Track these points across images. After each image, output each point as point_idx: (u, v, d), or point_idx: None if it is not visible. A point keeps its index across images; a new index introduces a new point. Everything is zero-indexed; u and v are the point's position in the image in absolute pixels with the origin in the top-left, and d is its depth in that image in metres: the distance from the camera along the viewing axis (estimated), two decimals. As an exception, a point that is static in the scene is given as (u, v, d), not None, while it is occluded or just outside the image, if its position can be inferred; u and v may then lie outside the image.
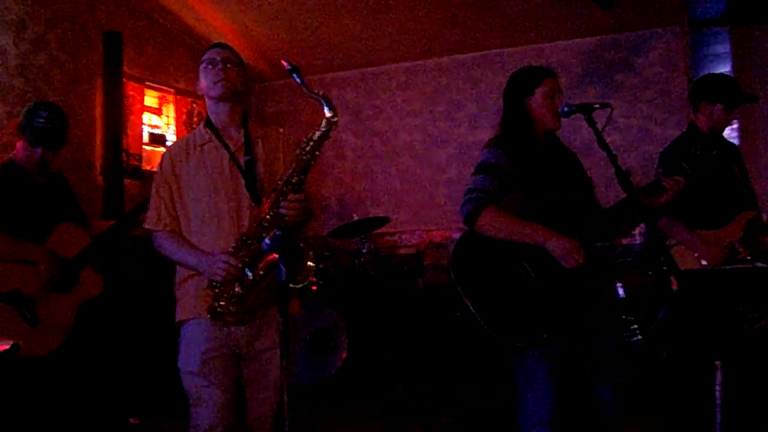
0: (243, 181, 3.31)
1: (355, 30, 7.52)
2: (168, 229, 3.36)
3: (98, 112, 6.52)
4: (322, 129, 3.16)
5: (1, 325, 3.81)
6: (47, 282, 4.01)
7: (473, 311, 3.38)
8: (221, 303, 3.15)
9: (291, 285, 2.88)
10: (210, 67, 3.36)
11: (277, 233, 2.68)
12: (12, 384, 3.85)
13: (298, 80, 3.11)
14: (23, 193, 4.10)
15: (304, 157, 3.15)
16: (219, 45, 3.49)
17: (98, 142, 6.53)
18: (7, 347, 3.16)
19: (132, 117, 6.91)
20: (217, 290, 3.17)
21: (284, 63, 3.14)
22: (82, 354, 4.28)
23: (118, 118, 6.57)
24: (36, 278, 3.97)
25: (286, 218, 3.13)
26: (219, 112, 3.43)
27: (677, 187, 3.46)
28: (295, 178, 3.15)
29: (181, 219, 3.38)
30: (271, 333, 3.30)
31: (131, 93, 6.91)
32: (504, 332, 3.36)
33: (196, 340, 3.27)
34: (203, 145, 3.40)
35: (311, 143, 3.16)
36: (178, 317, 3.37)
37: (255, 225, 3.17)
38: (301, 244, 3.03)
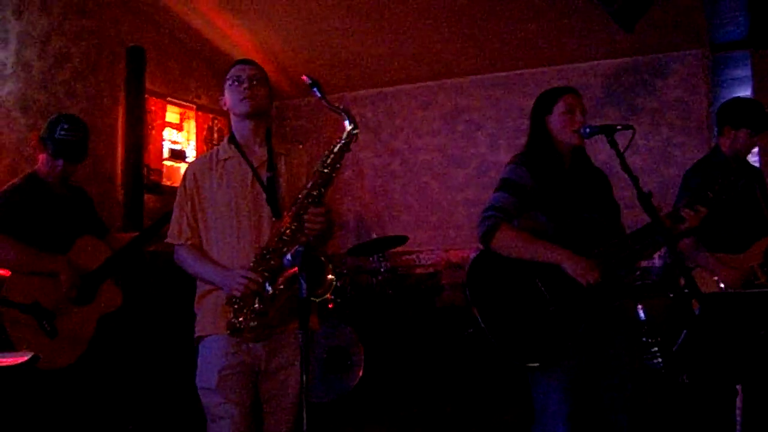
0: (264, 196, 3.30)
1: (375, 49, 7.56)
2: (189, 243, 3.35)
3: (120, 126, 6.57)
4: (343, 141, 3.16)
5: (21, 337, 3.82)
6: (67, 294, 4.02)
7: (485, 329, 3.37)
8: (240, 319, 3.12)
9: (311, 299, 2.88)
10: (236, 84, 3.35)
11: (299, 249, 2.68)
12: (31, 396, 3.85)
13: (318, 94, 3.12)
14: (45, 206, 4.12)
15: (325, 170, 3.15)
16: (245, 62, 3.48)
17: (119, 157, 6.57)
18: (27, 359, 3.14)
19: (153, 132, 6.96)
20: (236, 306, 3.14)
21: (305, 78, 3.14)
22: (100, 367, 4.28)
23: (140, 133, 6.61)
24: (56, 291, 3.98)
25: (308, 232, 3.12)
26: (243, 128, 3.42)
27: (697, 217, 3.43)
28: (316, 191, 3.14)
29: (202, 233, 3.37)
30: (289, 350, 3.26)
31: (153, 108, 6.96)
32: (515, 352, 3.36)
33: (214, 357, 3.24)
34: (226, 160, 3.40)
35: (332, 156, 3.16)
36: (197, 333, 3.35)
37: (275, 239, 3.15)
38: (322, 258, 3.03)
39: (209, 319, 3.30)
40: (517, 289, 3.44)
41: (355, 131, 3.15)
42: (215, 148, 3.55)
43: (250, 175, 3.34)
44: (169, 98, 7.21)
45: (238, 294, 3.11)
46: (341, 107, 3.14)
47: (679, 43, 7.20)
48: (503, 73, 8.00)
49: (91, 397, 4.29)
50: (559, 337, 3.34)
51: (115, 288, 4.33)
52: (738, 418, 3.48)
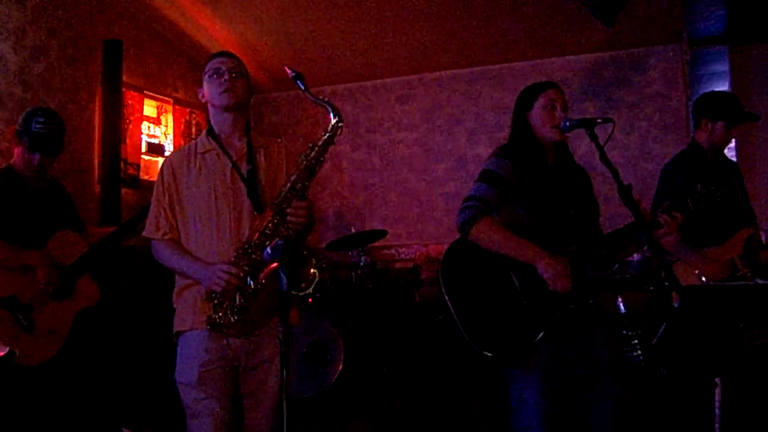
0: (245, 190, 3.28)
1: (354, 43, 7.53)
2: (167, 237, 3.32)
3: (97, 120, 6.51)
4: (328, 134, 3.16)
5: (-2, 332, 3.79)
6: (44, 289, 3.98)
7: (455, 319, 3.38)
8: (219, 314, 3.11)
9: (294, 292, 2.86)
10: (215, 76, 3.32)
11: (278, 242, 2.65)
12: (7, 392, 3.82)
13: (302, 87, 3.11)
14: (21, 200, 4.09)
15: (309, 163, 3.14)
16: (224, 54, 3.46)
17: (96, 151, 6.51)
18: (2, 354, 3.12)
19: (131, 126, 6.90)
20: (215, 301, 3.12)
21: (288, 70, 3.14)
22: (78, 363, 4.25)
23: (117, 126, 6.55)
24: (33, 285, 3.95)
25: (291, 225, 3.11)
26: (222, 121, 3.40)
27: (674, 223, 3.44)
28: (300, 185, 3.13)
29: (180, 228, 3.34)
30: (269, 345, 3.25)
31: (130, 102, 6.90)
32: (488, 344, 3.36)
33: (194, 352, 3.21)
34: (204, 153, 3.37)
35: (316, 149, 3.16)
36: (176, 328, 3.32)
37: (257, 233, 3.13)
38: (304, 252, 3.02)
39: (188, 313, 3.26)
40: (490, 281, 3.45)
41: (339, 124, 3.15)
42: (193, 141, 3.52)
43: (229, 168, 3.31)
44: (146, 92, 7.15)
45: (218, 289, 3.09)
46: (325, 100, 3.15)
47: (658, 38, 7.22)
48: (483, 68, 7.98)
49: (70, 393, 4.26)
50: (529, 331, 3.34)
51: (93, 283, 4.31)
52: (717, 411, 3.50)
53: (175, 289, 3.37)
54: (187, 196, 3.33)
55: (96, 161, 6.51)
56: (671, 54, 7.34)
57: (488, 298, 3.42)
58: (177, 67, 7.60)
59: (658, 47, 7.36)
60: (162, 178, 3.39)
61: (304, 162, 3.14)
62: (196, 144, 3.44)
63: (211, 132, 3.41)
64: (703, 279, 4.15)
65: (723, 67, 7.36)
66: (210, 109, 3.44)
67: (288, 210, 3.10)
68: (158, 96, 7.31)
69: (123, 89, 6.68)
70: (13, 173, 4.13)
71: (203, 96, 3.43)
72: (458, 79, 8.14)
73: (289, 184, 3.14)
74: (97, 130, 6.51)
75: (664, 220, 3.42)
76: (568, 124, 3.42)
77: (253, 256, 3.09)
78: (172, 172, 3.37)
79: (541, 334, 3.32)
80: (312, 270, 3.03)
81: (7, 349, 3.17)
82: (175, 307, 3.36)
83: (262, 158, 3.41)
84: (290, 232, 3.10)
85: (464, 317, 3.38)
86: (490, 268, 3.44)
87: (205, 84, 3.39)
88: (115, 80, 6.54)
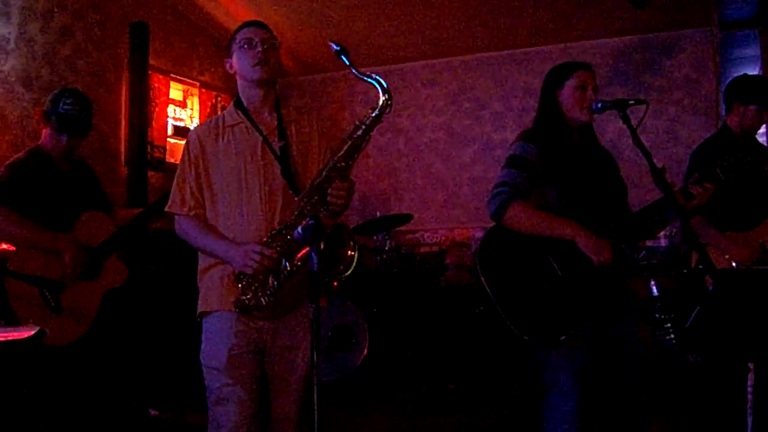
0: (277, 167, 3.12)
1: (380, 27, 7.50)
2: (192, 213, 3.16)
3: (123, 103, 6.54)
4: (376, 112, 2.93)
5: (26, 313, 3.80)
6: (72, 273, 3.99)
7: (497, 307, 3.33)
8: (249, 296, 2.98)
9: (334, 274, 2.81)
10: (247, 47, 3.15)
11: (309, 222, 2.55)
12: (35, 371, 3.83)
13: (347, 62, 2.90)
14: (50, 180, 4.09)
15: (354, 142, 2.94)
16: (256, 24, 3.26)
17: (123, 133, 6.54)
18: (33, 333, 3.12)
19: (157, 109, 6.92)
20: (243, 283, 2.99)
21: (332, 44, 2.94)
22: (105, 344, 4.26)
23: (143, 109, 6.57)
24: (61, 267, 3.96)
25: (331, 207, 2.97)
26: (253, 95, 3.23)
27: (706, 194, 3.40)
28: (342, 164, 2.95)
29: (207, 204, 3.18)
30: (298, 328, 3.15)
31: (156, 85, 6.92)
32: (528, 329, 3.31)
33: (221, 335, 3.08)
34: (233, 126, 3.21)
35: (363, 127, 2.94)
36: (201, 308, 3.18)
37: (294, 213, 2.97)
38: (343, 235, 2.93)
39: (215, 294, 3.13)
40: (528, 266, 3.40)
41: (389, 102, 2.93)
42: (220, 113, 3.36)
43: (260, 142, 3.16)
44: (172, 75, 7.16)
45: (249, 271, 2.96)
46: (373, 76, 2.91)
47: (688, 21, 7.14)
48: (509, 51, 7.94)
49: (97, 373, 4.28)
50: (569, 314, 3.31)
51: (120, 264, 4.31)
52: (749, 396, 3.46)
53: (200, 268, 3.23)
54: (216, 171, 3.18)
55: (123, 144, 6.54)
56: (701, 38, 7.26)
57: (527, 283, 3.37)
58: (203, 50, 7.60)
59: (687, 31, 7.28)
60: (188, 151, 3.23)
61: (349, 140, 2.94)
62: (223, 117, 3.29)
63: (239, 104, 3.25)
64: (733, 264, 4.10)
65: (754, 50, 7.28)
66: (239, 81, 3.27)
67: (329, 191, 2.95)
68: (184, 79, 7.33)
69: (149, 72, 6.69)
70: (42, 154, 4.13)
71: (231, 67, 3.26)
72: (484, 63, 8.10)
73: (331, 163, 2.95)
74: (123, 112, 6.54)
75: (696, 191, 3.38)
76: (600, 105, 3.37)
77: (288, 237, 2.93)
78: (200, 145, 3.21)
79: (581, 318, 3.30)
80: (350, 252, 2.94)
81: (38, 328, 3.16)
82: (199, 286, 3.24)
83: (294, 133, 3.26)
84: (328, 212, 2.99)
85: (504, 303, 3.33)
86: (527, 253, 3.40)
87: (235, 55, 3.21)
88: (141, 63, 6.54)
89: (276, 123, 3.22)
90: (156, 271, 6.00)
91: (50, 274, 3.91)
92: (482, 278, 3.38)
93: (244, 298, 3.00)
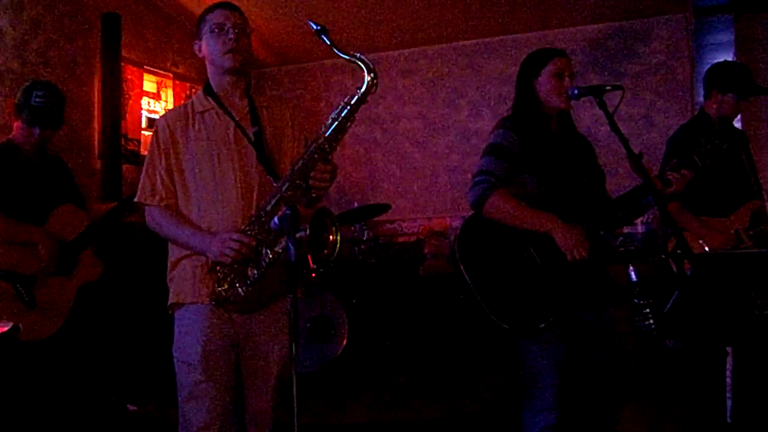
0: (252, 152, 3.03)
1: (355, 16, 7.45)
2: (163, 203, 3.04)
3: (96, 95, 6.47)
4: (362, 91, 2.85)
5: (0, 309, 3.75)
6: (46, 266, 3.94)
7: (476, 295, 3.32)
8: (225, 287, 2.89)
9: (318, 259, 2.75)
10: (218, 32, 3.03)
11: (286, 212, 2.52)
12: (10, 368, 3.79)
13: (327, 41, 2.80)
14: (22, 174, 4.04)
15: (340, 123, 2.86)
16: (227, 6, 3.12)
17: (96, 126, 6.47)
18: (6, 329, 3.07)
19: (130, 102, 6.86)
20: (219, 274, 2.89)
21: (311, 23, 2.83)
22: (81, 338, 4.22)
23: (117, 102, 6.50)
24: (35, 261, 3.91)
25: (313, 191, 2.90)
26: (223, 81, 3.12)
27: (683, 180, 3.41)
28: (327, 145, 2.86)
29: (179, 194, 3.06)
30: (274, 321, 3.06)
31: (129, 77, 6.85)
32: (507, 317, 3.31)
33: (194, 328, 2.97)
34: (203, 112, 3.10)
35: (348, 107, 2.86)
36: (173, 299, 3.05)
37: (273, 199, 2.87)
38: (326, 219, 2.80)
39: (188, 285, 3.01)
40: (508, 255, 3.39)
41: (375, 80, 2.85)
42: (189, 100, 3.24)
43: (232, 128, 3.06)
44: (146, 67, 7.09)
45: (227, 260, 2.85)
46: (357, 55, 2.83)
47: (662, 8, 7.15)
48: (485, 40, 7.93)
49: (73, 368, 4.23)
50: (548, 303, 3.31)
51: (95, 258, 4.26)
52: (728, 380, 3.48)
53: (171, 260, 3.10)
54: (187, 159, 3.05)
55: (96, 137, 6.47)
56: (676, 24, 7.28)
57: (507, 272, 3.37)
58: (176, 41, 7.53)
59: (662, 17, 7.29)
60: (157, 139, 3.09)
61: (335, 121, 2.86)
62: (192, 103, 3.16)
63: (209, 90, 3.13)
64: (706, 249, 4.12)
65: (728, 36, 7.32)
66: (209, 66, 3.14)
67: (312, 174, 2.86)
68: (158, 71, 7.26)
69: (122, 64, 6.62)
70: (13, 147, 4.07)
71: (200, 50, 3.14)
72: (460, 52, 8.09)
73: (314, 145, 2.86)
74: (96, 105, 6.47)
75: (673, 177, 3.39)
76: (576, 92, 3.35)
77: (267, 224, 2.84)
78: (169, 133, 3.08)
79: (560, 306, 3.30)
80: (332, 237, 2.81)
81: (11, 324, 3.11)
82: (169, 279, 3.11)
83: (266, 118, 3.16)
84: (308, 197, 2.92)
85: (483, 292, 3.33)
86: (507, 241, 3.39)
87: (205, 39, 3.09)
88: (114, 55, 6.47)
89: (248, 108, 3.13)
90: (130, 265, 5.95)
91: (24, 269, 3.87)
92: (461, 267, 3.37)
93: (220, 289, 2.91)
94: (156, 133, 3.12)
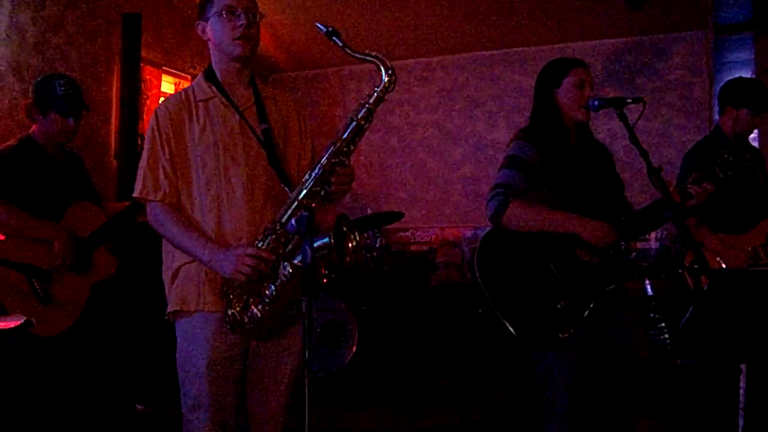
0: (260, 151, 2.84)
1: (374, 23, 7.47)
2: (167, 201, 2.80)
3: (114, 95, 6.47)
4: (379, 92, 2.72)
5: (14, 303, 3.75)
6: (61, 263, 3.95)
7: (495, 310, 3.31)
8: (237, 310, 2.72)
9: (339, 265, 2.67)
10: (228, 15, 2.79)
11: (303, 214, 2.45)
12: (22, 362, 3.79)
13: (339, 43, 2.69)
14: (41, 170, 4.04)
15: (359, 123, 2.70)
16: None
17: (113, 126, 6.48)
18: (20, 323, 3.07)
19: (148, 102, 6.86)
20: (230, 295, 2.73)
21: (319, 26, 2.71)
22: (93, 336, 4.22)
23: (135, 102, 6.51)
24: (50, 257, 3.91)
25: (333, 196, 2.74)
26: (228, 68, 2.90)
27: (704, 194, 3.39)
28: (347, 148, 2.71)
29: (182, 190, 2.84)
30: (284, 326, 2.88)
31: (148, 77, 6.86)
32: (526, 332, 3.30)
33: (200, 337, 2.79)
34: (207, 100, 2.86)
35: (366, 107, 2.71)
36: (175, 306, 2.85)
37: (290, 208, 2.70)
38: (345, 226, 2.69)
39: (192, 291, 2.82)
40: (526, 269, 3.38)
41: (394, 78, 2.74)
42: (189, 86, 2.98)
43: (237, 120, 2.86)
44: (164, 67, 7.11)
45: (242, 278, 2.66)
46: (373, 54, 2.73)
47: (682, 24, 7.14)
48: (503, 50, 7.94)
49: (83, 366, 4.23)
50: (567, 317, 3.29)
51: (110, 255, 4.27)
52: (741, 397, 3.45)
53: (174, 264, 2.89)
54: (190, 151, 2.83)
55: (113, 136, 6.48)
56: (695, 40, 7.27)
57: (526, 287, 3.36)
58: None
59: (682, 33, 7.29)
60: (158, 128, 2.83)
61: (353, 122, 2.70)
62: (193, 89, 2.92)
63: (211, 76, 2.90)
64: (723, 266, 4.10)
65: (747, 54, 7.30)
66: (213, 51, 2.91)
67: (333, 179, 2.69)
68: (176, 72, 7.28)
69: (141, 64, 6.64)
70: (33, 143, 4.07)
71: (204, 32, 2.90)
72: (478, 62, 8.09)
73: (333, 148, 2.69)
74: (114, 105, 6.48)
75: (694, 191, 3.37)
76: (597, 103, 3.34)
77: (283, 235, 2.70)
78: (170, 120, 2.83)
79: (580, 318, 3.29)
80: (351, 244, 2.69)
81: (24, 318, 3.11)
82: (169, 279, 2.91)
83: (273, 111, 2.97)
84: (328, 202, 2.77)
85: (502, 306, 3.31)
86: (525, 256, 3.39)
87: (211, 21, 2.84)
88: (133, 55, 6.49)
89: (253, 99, 2.93)
90: (145, 266, 5.96)
91: (39, 264, 3.87)
92: (480, 281, 3.35)
93: (232, 311, 2.73)
94: (156, 121, 2.86)
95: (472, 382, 6.17)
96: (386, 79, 2.73)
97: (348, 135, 2.71)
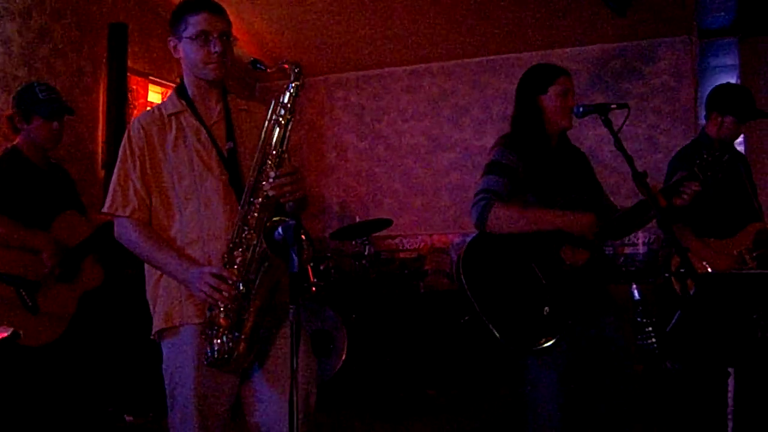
0: (224, 173, 2.80)
1: (361, 32, 7.48)
2: (135, 216, 2.78)
3: (101, 105, 6.46)
4: (291, 91, 2.71)
5: (2, 313, 3.74)
6: (50, 272, 3.94)
7: (482, 316, 3.31)
8: (220, 341, 2.62)
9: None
10: (201, 41, 2.74)
11: (290, 222, 2.42)
12: (10, 373, 3.77)
13: (261, 68, 2.75)
14: (27, 180, 4.04)
15: (281, 121, 2.68)
16: (214, 9, 2.81)
17: (100, 136, 6.47)
18: (7, 335, 3.06)
19: (135, 112, 6.84)
20: (208, 330, 2.64)
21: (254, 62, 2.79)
22: (81, 346, 4.21)
23: (122, 112, 6.49)
24: (38, 266, 3.91)
25: (282, 200, 2.64)
26: (198, 84, 2.88)
27: (689, 194, 3.42)
28: (275, 150, 2.67)
29: (157, 205, 2.82)
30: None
31: (135, 87, 6.85)
32: (513, 337, 3.31)
33: (190, 348, 2.73)
34: (178, 114, 2.85)
35: (283, 108, 2.69)
36: (161, 325, 2.80)
37: (237, 226, 2.67)
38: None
39: (174, 306, 2.78)
40: (512, 274, 3.40)
41: (300, 75, 2.74)
42: (161, 102, 2.98)
43: (204, 134, 2.82)
44: (151, 77, 7.10)
45: (204, 297, 2.63)
46: (282, 63, 2.73)
47: (667, 29, 7.17)
48: (490, 58, 7.95)
49: (72, 375, 4.22)
50: (554, 321, 3.30)
51: (97, 265, 4.26)
52: (730, 402, 3.46)
53: (152, 279, 2.87)
54: (166, 166, 2.81)
55: (100, 146, 6.47)
56: (680, 46, 7.30)
57: (512, 292, 3.37)
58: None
59: (667, 39, 7.32)
60: (130, 144, 2.81)
61: (275, 122, 2.69)
62: (165, 104, 2.93)
63: (182, 92, 2.89)
64: (709, 270, 4.12)
65: (732, 59, 7.34)
66: (185, 68, 2.88)
67: (266, 184, 2.64)
68: (163, 82, 7.26)
69: (128, 74, 6.62)
70: (19, 154, 4.07)
71: (175, 48, 2.86)
72: (465, 69, 8.10)
73: (260, 155, 2.68)
74: (101, 114, 6.46)
75: (684, 189, 3.41)
76: (582, 109, 3.36)
77: (247, 253, 2.65)
78: (145, 137, 2.80)
79: (566, 323, 3.31)
80: (305, 252, 2.52)
81: (11, 329, 3.10)
82: (152, 298, 2.88)
83: (247, 123, 2.92)
84: (287, 207, 2.68)
85: (489, 312, 3.32)
86: (511, 261, 3.41)
87: (184, 42, 2.80)
88: (120, 65, 6.45)
89: (223, 113, 2.90)
90: (133, 275, 5.94)
91: (27, 274, 3.86)
92: (466, 288, 3.36)
93: (215, 347, 2.63)
94: (129, 137, 2.84)
95: (462, 389, 6.17)
96: (296, 71, 2.75)
97: (273, 138, 2.69)
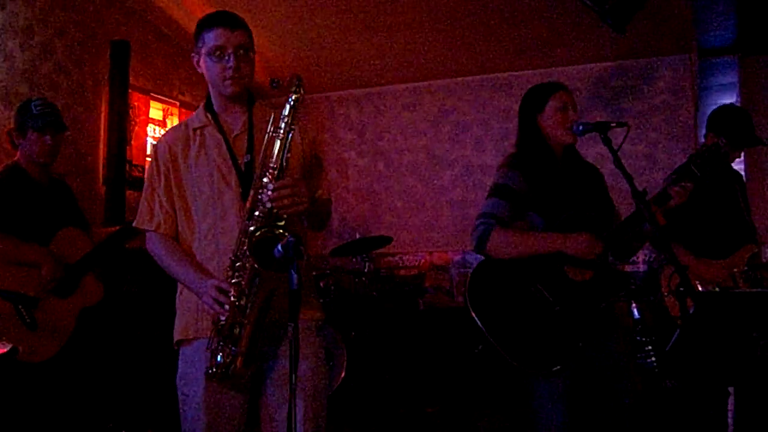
0: (238, 185, 2.83)
1: (361, 49, 7.50)
2: (161, 230, 2.87)
3: (103, 121, 6.47)
4: (291, 103, 2.73)
5: (0, 329, 3.73)
6: (49, 286, 3.94)
7: (492, 341, 3.30)
8: (223, 357, 2.64)
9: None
10: (217, 57, 2.78)
11: (290, 239, 2.41)
12: (9, 389, 3.77)
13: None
14: (28, 196, 4.05)
15: (281, 133, 2.69)
16: (228, 23, 2.83)
17: (101, 152, 6.47)
18: (5, 351, 3.06)
19: (136, 128, 6.87)
20: (212, 345, 2.66)
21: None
22: (80, 362, 4.20)
23: (123, 128, 6.51)
24: (38, 281, 3.91)
25: (281, 212, 2.64)
26: (221, 98, 2.92)
27: (684, 193, 3.41)
28: (273, 163, 2.67)
29: (181, 219, 2.88)
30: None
31: (136, 104, 6.87)
32: (525, 360, 3.30)
33: (202, 362, 2.73)
34: (203, 128, 2.90)
35: (284, 120, 2.71)
36: (177, 335, 2.89)
37: (240, 238, 2.68)
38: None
39: (191, 319, 2.84)
40: (518, 296, 3.39)
41: (300, 86, 2.76)
42: (190, 116, 3.04)
43: (224, 147, 2.86)
44: (152, 94, 7.12)
45: (208, 309, 2.67)
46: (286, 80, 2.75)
47: (667, 48, 7.18)
48: (490, 75, 7.96)
49: (71, 391, 4.21)
50: (564, 340, 3.30)
51: (97, 281, 4.26)
52: (730, 420, 3.46)
53: (179, 291, 2.95)
54: (188, 180, 2.86)
55: (101, 162, 6.48)
56: (680, 64, 7.30)
57: (520, 314, 3.36)
58: (183, 69, 7.55)
59: (667, 57, 7.32)
60: (157, 160, 2.91)
61: (275, 135, 2.70)
62: (193, 118, 2.99)
63: (209, 106, 2.94)
64: (699, 288, 4.11)
65: (732, 77, 7.35)
66: (209, 84, 2.94)
67: (264, 196, 2.64)
68: (164, 98, 7.28)
69: (129, 91, 6.64)
70: (19, 170, 4.09)
71: (198, 64, 2.92)
72: (465, 87, 8.12)
73: (259, 168, 2.70)
74: (102, 131, 6.47)
75: (674, 191, 3.40)
76: (581, 128, 3.36)
77: (245, 269, 2.64)
78: (170, 151, 2.88)
79: (575, 342, 3.30)
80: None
81: (10, 346, 3.10)
82: (177, 309, 2.95)
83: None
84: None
85: (499, 337, 3.31)
86: (516, 283, 3.40)
87: (203, 59, 2.85)
88: (122, 82, 6.48)
89: (248, 125, 2.92)
90: (133, 292, 5.94)
91: (26, 290, 3.87)
92: (474, 315, 3.35)
93: (219, 364, 2.65)
94: (155, 153, 2.95)
95: (461, 407, 6.15)
96: (296, 84, 2.76)
97: (276, 150, 2.70)
